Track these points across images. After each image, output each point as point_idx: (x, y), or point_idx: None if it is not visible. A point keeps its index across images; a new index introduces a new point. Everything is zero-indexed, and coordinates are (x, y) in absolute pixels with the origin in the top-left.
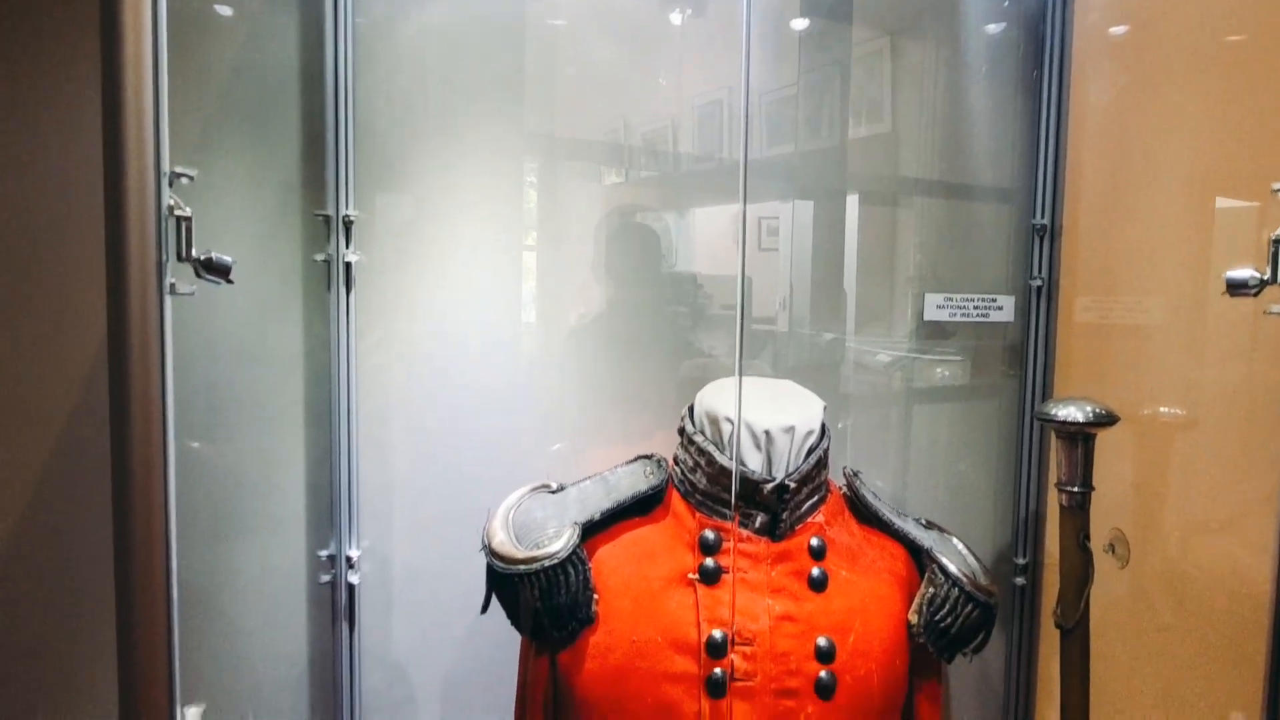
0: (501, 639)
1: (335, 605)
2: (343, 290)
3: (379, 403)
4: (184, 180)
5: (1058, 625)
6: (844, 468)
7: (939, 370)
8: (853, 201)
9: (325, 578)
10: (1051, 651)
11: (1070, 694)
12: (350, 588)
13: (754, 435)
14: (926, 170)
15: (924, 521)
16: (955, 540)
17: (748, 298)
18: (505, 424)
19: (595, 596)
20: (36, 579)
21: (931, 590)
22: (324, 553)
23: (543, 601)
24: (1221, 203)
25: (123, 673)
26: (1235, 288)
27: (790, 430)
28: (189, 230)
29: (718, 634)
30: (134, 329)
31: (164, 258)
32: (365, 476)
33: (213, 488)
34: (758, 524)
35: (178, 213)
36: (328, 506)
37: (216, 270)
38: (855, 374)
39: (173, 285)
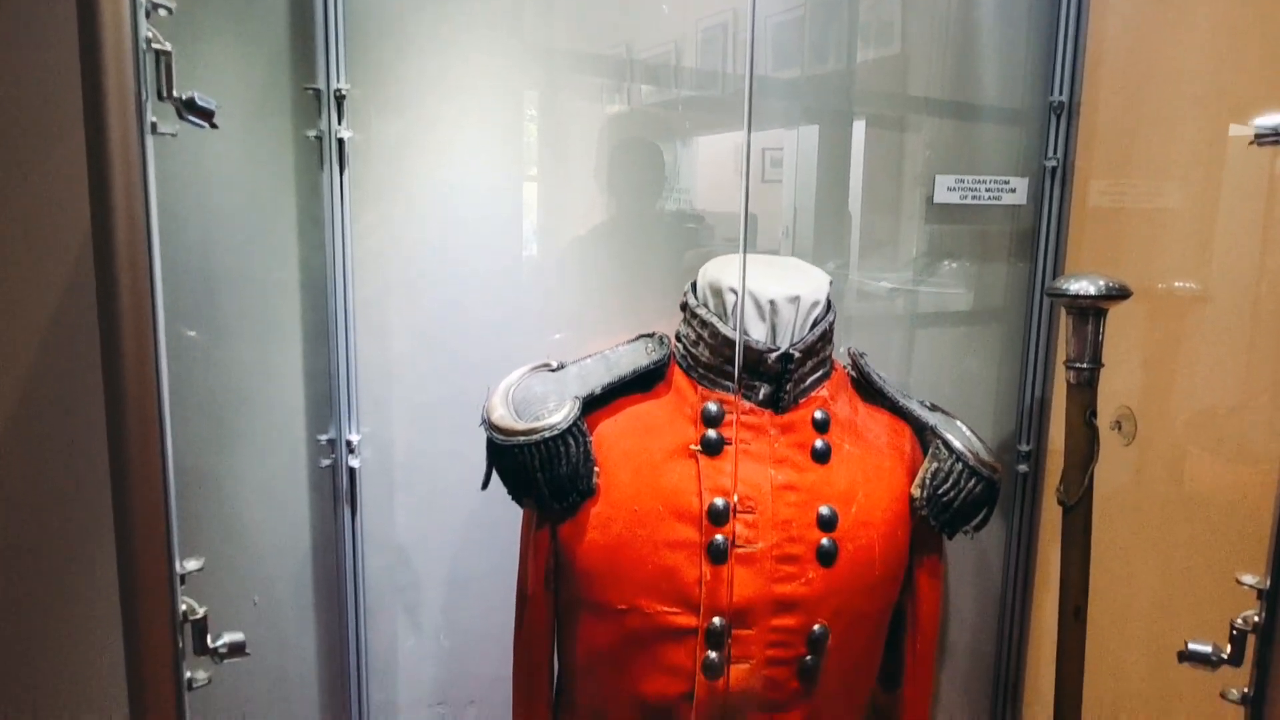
0: (504, 521)
1: (336, 490)
2: (336, 169)
3: (376, 286)
4: (162, 12)
5: (1060, 503)
6: (848, 348)
7: (946, 262)
8: (859, 127)
9: (325, 462)
10: (1052, 539)
11: (1070, 570)
12: (351, 472)
13: (758, 305)
14: (938, 88)
15: (929, 404)
16: (959, 423)
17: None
18: (506, 312)
19: (596, 469)
20: (31, 467)
21: (935, 464)
22: (323, 437)
23: (543, 473)
24: (1243, 84)
25: (121, 550)
26: (1264, 137)
27: (795, 300)
28: (169, 67)
29: (719, 502)
30: (115, 167)
31: (144, 94)
32: (364, 361)
33: (209, 374)
34: (761, 396)
35: (156, 46)
36: (326, 391)
37: (199, 113)
38: (859, 300)
39: (154, 124)
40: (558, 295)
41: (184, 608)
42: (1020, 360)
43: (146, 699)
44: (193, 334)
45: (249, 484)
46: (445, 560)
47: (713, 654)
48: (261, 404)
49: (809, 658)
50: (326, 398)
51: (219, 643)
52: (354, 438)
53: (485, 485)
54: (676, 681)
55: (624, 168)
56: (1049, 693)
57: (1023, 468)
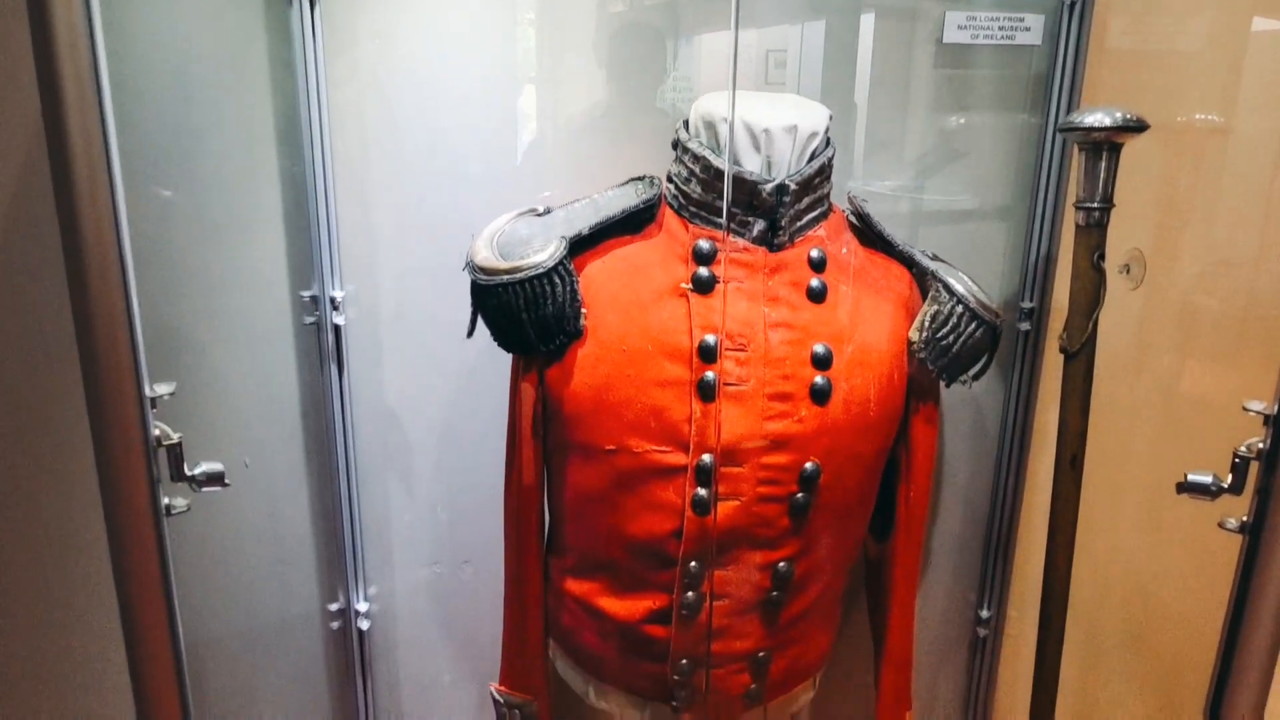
0: (494, 383)
1: (322, 348)
2: (306, 4)
3: (355, 138)
4: None
5: (1062, 350)
6: (849, 193)
7: (955, 119)
8: (868, 20)
9: (309, 319)
10: (1050, 403)
11: (1069, 417)
12: (336, 329)
13: (753, 135)
14: None
15: (930, 254)
16: (961, 273)
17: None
18: (493, 169)
19: (583, 310)
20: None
21: (935, 307)
22: (306, 294)
23: (528, 313)
24: None
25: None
26: None
27: (792, 130)
28: None
29: (710, 338)
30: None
31: None
32: (346, 217)
33: (188, 234)
34: (755, 233)
35: None
36: (307, 246)
37: None
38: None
39: None
40: (547, 155)
41: (156, 432)
42: (1028, 213)
43: (121, 519)
44: (169, 194)
45: (234, 345)
46: (436, 423)
47: (702, 491)
48: (242, 262)
49: (800, 495)
50: (308, 254)
51: (197, 470)
52: (337, 294)
53: (471, 333)
54: (666, 519)
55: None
56: (1040, 547)
57: (1025, 325)
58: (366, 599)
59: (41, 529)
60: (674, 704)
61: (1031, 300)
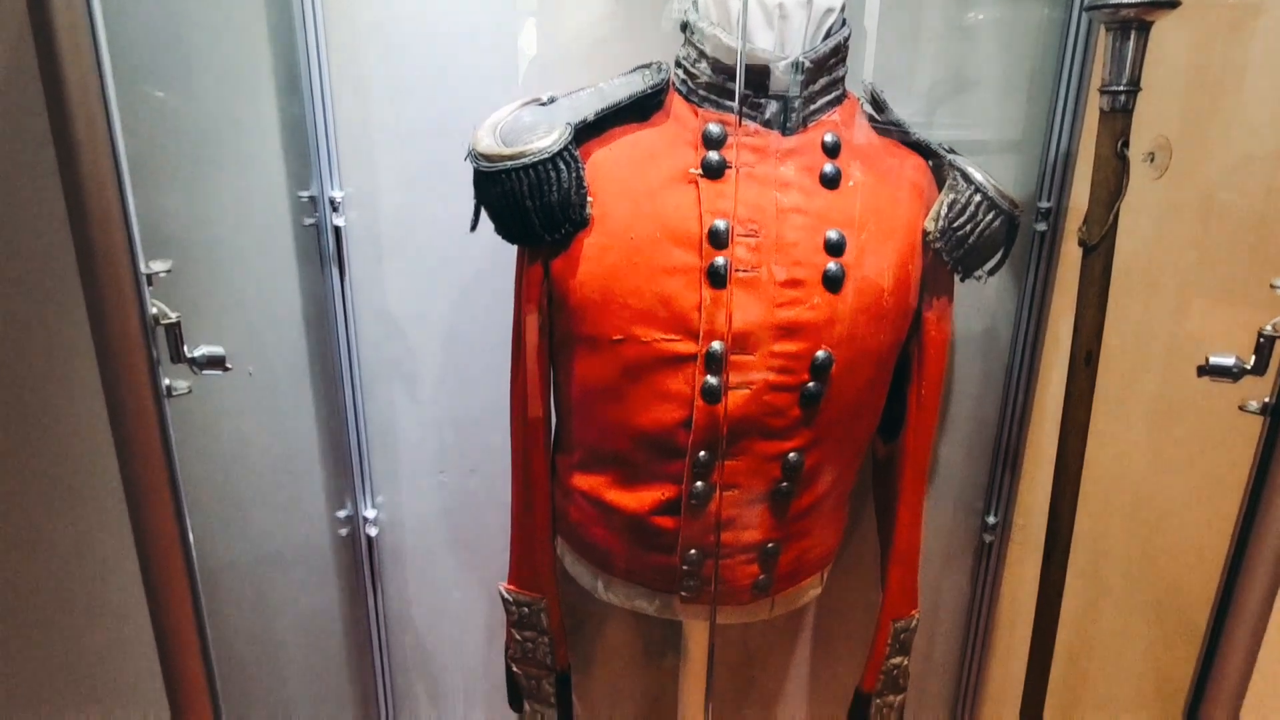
0: (498, 288)
1: (323, 250)
2: None
3: (350, 31)
4: None
5: (1081, 243)
6: (864, 80)
7: (972, 13)
8: None
9: (309, 221)
10: (1064, 310)
11: (1086, 312)
12: (336, 230)
13: (765, 9)
14: None
15: (946, 147)
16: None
17: None
18: (492, 66)
19: (589, 198)
20: None
21: (952, 196)
22: (305, 194)
23: (533, 201)
24: None
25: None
26: None
27: (806, 5)
28: None
29: (720, 224)
30: None
31: None
32: (344, 114)
33: (181, 135)
34: (767, 115)
35: None
36: (304, 145)
37: None
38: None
39: None
40: (551, 43)
41: (154, 310)
42: (1048, 106)
43: (121, 396)
44: (161, 95)
45: (232, 248)
46: (440, 328)
47: (711, 379)
48: (239, 162)
49: (812, 384)
50: (305, 153)
51: (197, 352)
52: (336, 195)
53: (474, 226)
54: (674, 409)
55: None
56: (1049, 455)
57: (1041, 227)
58: (374, 506)
59: (44, 420)
60: (682, 594)
61: (1049, 200)
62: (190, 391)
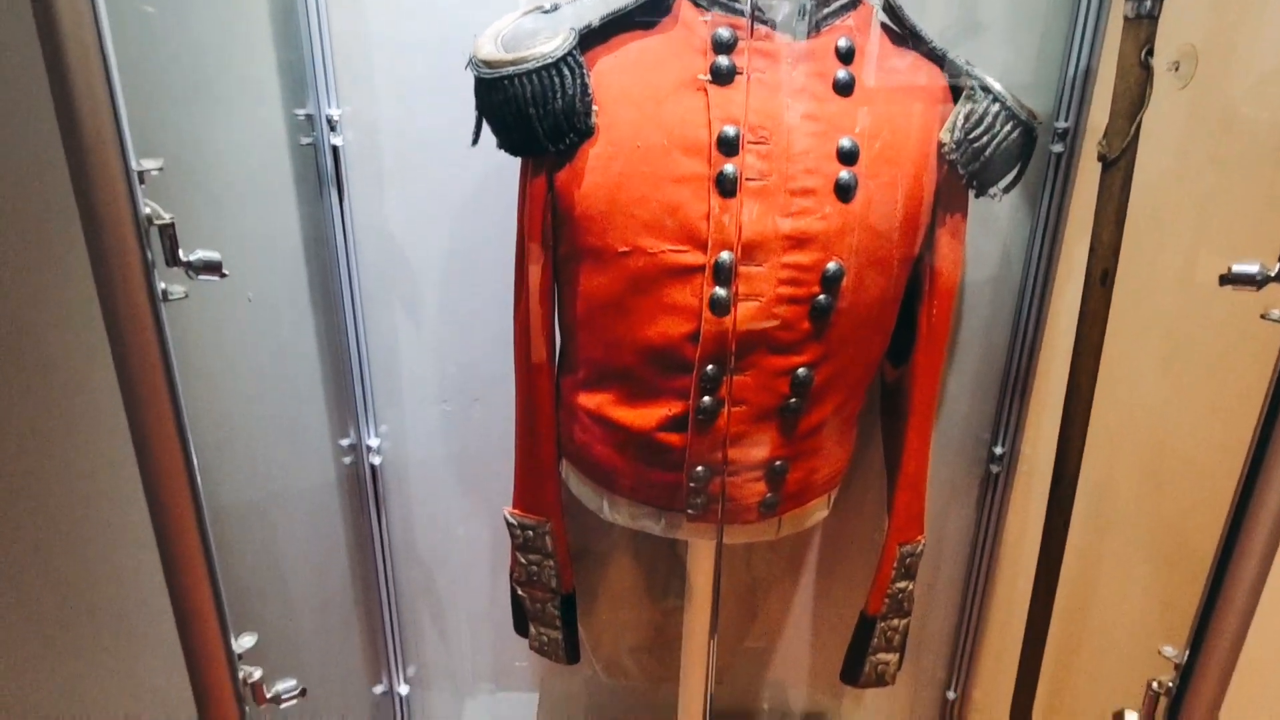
0: (500, 211)
1: (320, 172)
2: None
3: None
4: None
5: (1100, 157)
6: None
7: None
8: None
9: (306, 140)
10: (1079, 234)
11: (1103, 230)
12: (334, 150)
13: None
14: None
15: (963, 61)
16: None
17: None
18: None
19: (594, 106)
20: None
21: (970, 106)
22: (301, 112)
23: (536, 109)
24: None
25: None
26: None
27: None
28: None
29: (730, 130)
30: None
31: None
32: (338, 28)
33: (172, 52)
34: (779, 19)
35: None
36: (299, 60)
37: None
38: None
39: None
40: None
41: (147, 211)
42: (1069, 17)
43: (116, 299)
44: (151, 10)
45: (228, 169)
46: (441, 253)
47: (720, 291)
48: (232, 78)
49: (822, 297)
50: (301, 69)
51: (193, 256)
52: (334, 113)
53: (476, 139)
54: (682, 322)
55: None
56: (1059, 385)
57: (1057, 147)
58: (377, 435)
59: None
60: (688, 513)
61: (1066, 120)
62: (186, 296)
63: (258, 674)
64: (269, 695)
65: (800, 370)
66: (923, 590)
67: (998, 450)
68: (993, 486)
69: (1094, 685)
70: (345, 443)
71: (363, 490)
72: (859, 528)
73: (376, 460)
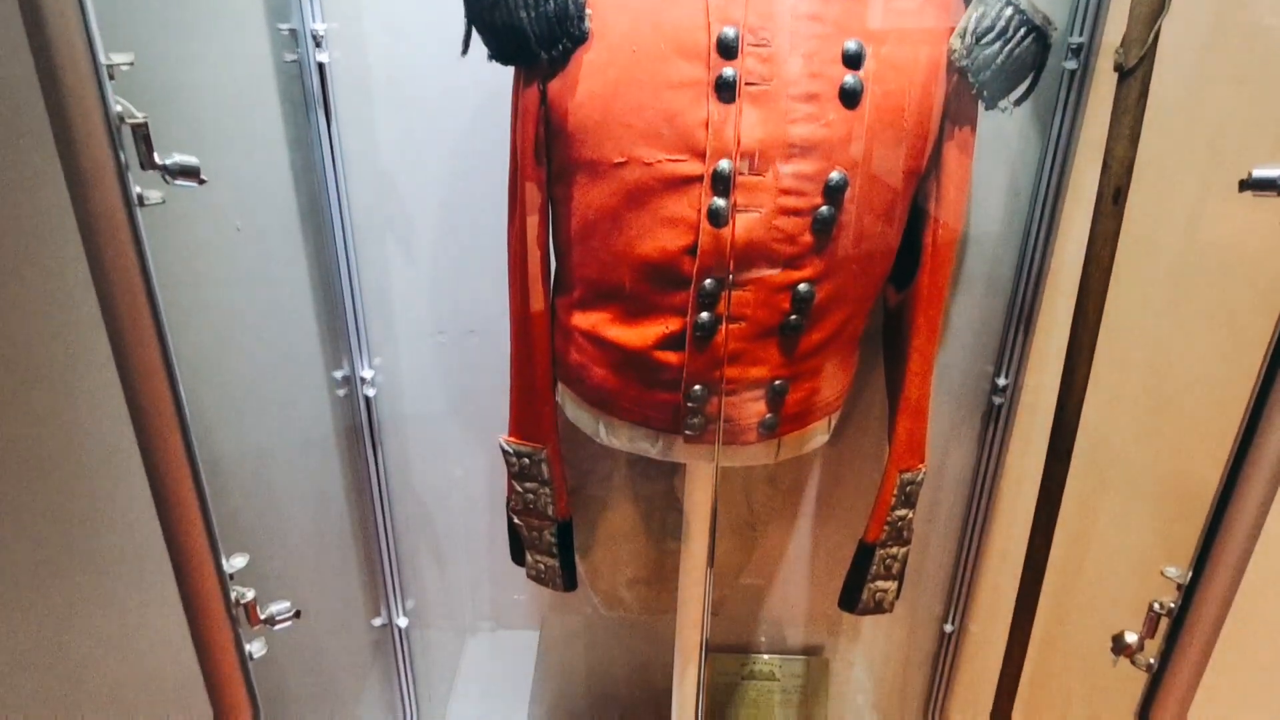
0: (493, 138)
1: (306, 92)
2: None
3: None
4: None
5: (1117, 68)
6: None
7: None
8: None
9: (290, 57)
10: (1090, 159)
11: (1117, 145)
12: (320, 68)
13: None
14: None
15: None
16: None
17: None
18: None
19: (588, 10)
20: None
21: (982, 9)
22: (284, 26)
23: (527, 12)
24: None
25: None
26: None
27: None
28: None
29: (729, 31)
30: None
31: None
32: None
33: None
34: None
35: None
36: None
37: None
38: None
39: None
40: None
41: (118, 108)
42: None
43: (90, 203)
44: None
45: (209, 88)
46: (432, 182)
47: (719, 201)
48: None
49: (825, 209)
50: None
51: (169, 160)
52: (319, 28)
53: (465, 48)
54: (679, 235)
55: None
56: (1064, 316)
57: (1070, 64)
58: (371, 367)
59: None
60: (686, 434)
61: (1081, 35)
62: (164, 202)
63: (250, 594)
64: (263, 617)
65: (801, 286)
66: (921, 523)
67: (1001, 382)
68: (995, 419)
69: (1093, 615)
70: (339, 375)
71: (358, 422)
72: (859, 462)
73: (371, 393)
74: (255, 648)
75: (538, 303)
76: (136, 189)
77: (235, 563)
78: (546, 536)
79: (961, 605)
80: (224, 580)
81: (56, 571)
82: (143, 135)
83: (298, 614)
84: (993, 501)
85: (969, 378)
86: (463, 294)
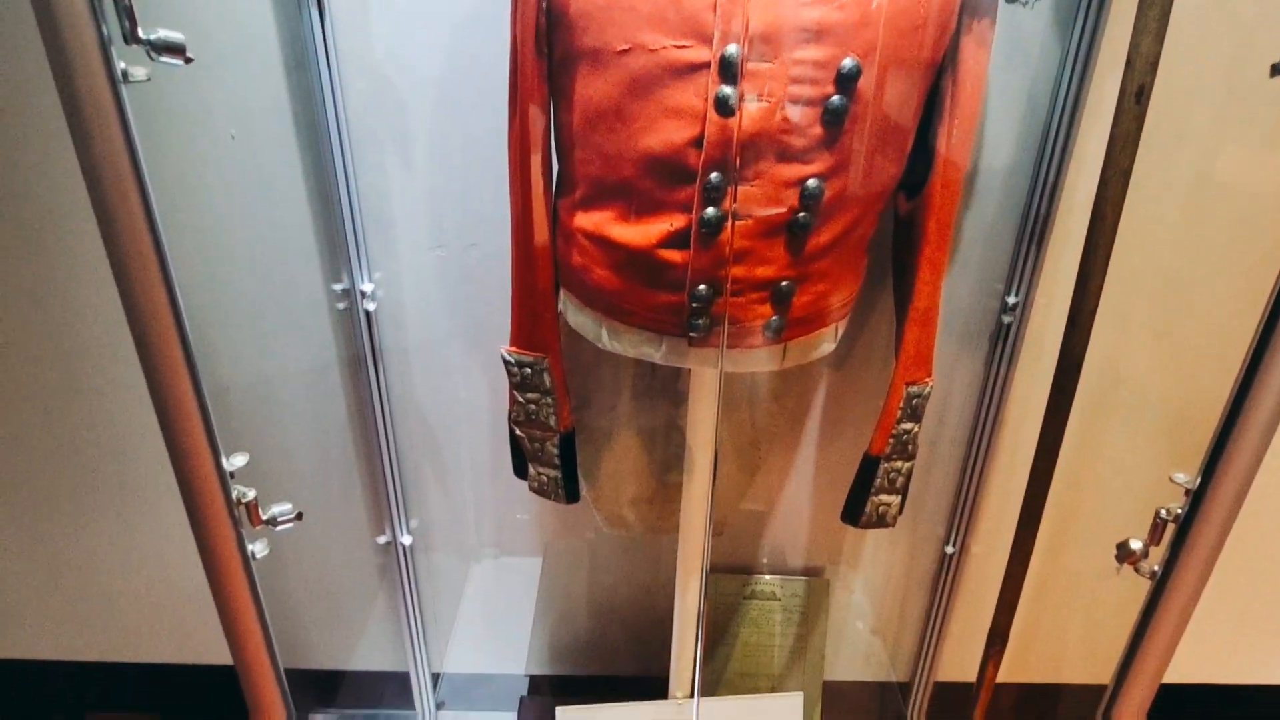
0: (492, 38)
1: None
2: None
3: None
4: None
5: None
6: None
7: None
8: None
9: None
10: (1112, 61)
11: (1143, 38)
12: None
13: None
14: None
15: None
16: None
17: None
18: None
19: None
20: None
21: None
22: None
23: None
24: None
25: None
26: None
27: None
28: None
29: None
30: None
31: None
32: None
33: None
34: None
35: None
36: None
37: None
38: None
39: None
40: None
41: None
42: None
43: (75, 80)
44: None
45: None
46: (431, 83)
47: (726, 88)
48: None
49: (836, 98)
50: None
51: (153, 35)
52: None
53: None
54: (685, 126)
55: None
56: (1078, 233)
57: None
58: (371, 280)
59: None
60: (691, 336)
61: None
62: (149, 80)
63: (251, 494)
64: (265, 517)
65: (810, 181)
66: (925, 445)
67: (1011, 300)
68: (1003, 338)
69: (1095, 531)
70: (339, 287)
71: (358, 337)
72: (864, 383)
73: (371, 307)
74: (258, 548)
75: (539, 205)
76: (121, 64)
77: (235, 461)
78: (549, 448)
79: (964, 527)
80: (224, 477)
81: (72, 495)
82: (125, 8)
83: (299, 516)
84: (999, 421)
85: (978, 297)
86: (463, 206)
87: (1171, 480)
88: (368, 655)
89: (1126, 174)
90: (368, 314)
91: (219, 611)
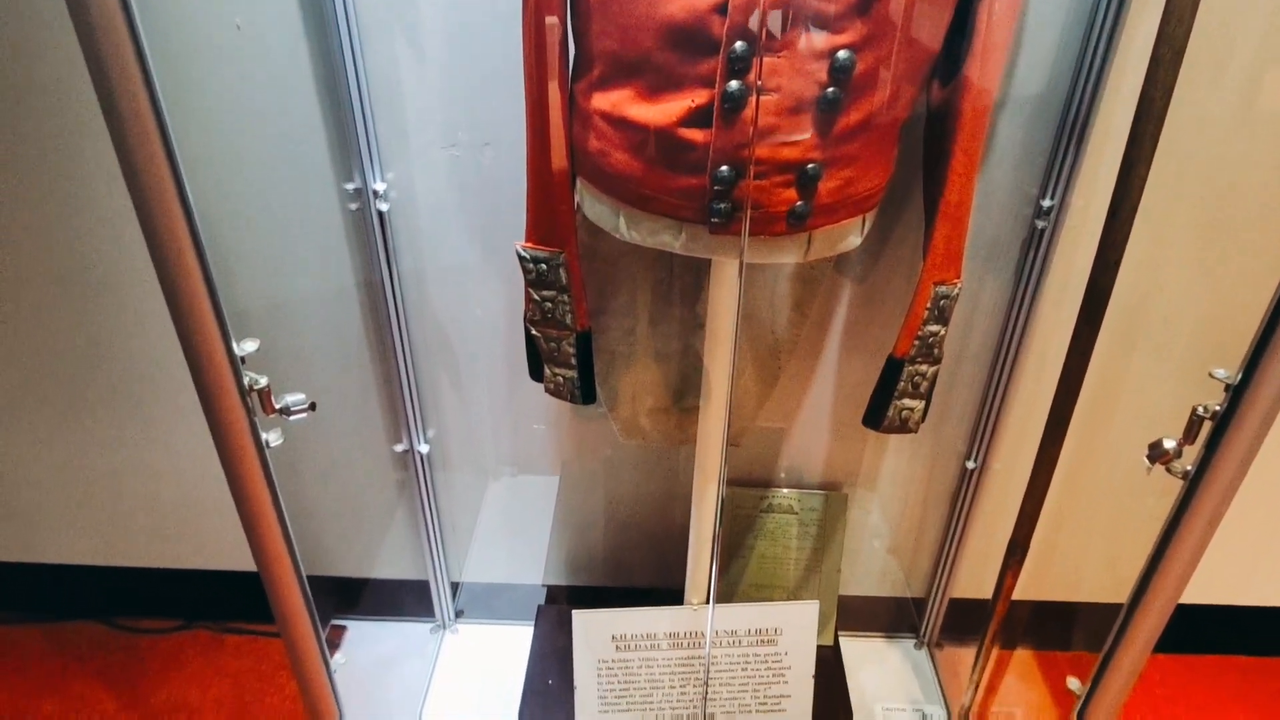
0: None
1: None
2: None
3: None
4: None
5: None
6: None
7: None
8: None
9: None
10: None
11: None
12: None
13: None
14: None
15: None
16: None
17: None
18: None
19: None
20: None
21: None
22: None
23: None
24: None
25: None
26: None
27: None
28: None
29: None
30: None
31: None
32: None
33: None
34: None
35: None
36: None
37: None
38: None
39: None
40: None
41: None
42: None
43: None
44: None
45: None
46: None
47: None
48: None
49: None
50: None
51: None
52: None
53: None
54: None
55: None
56: (1119, 133)
57: None
58: (383, 180)
59: None
60: (713, 221)
61: None
62: None
63: (264, 381)
64: (278, 406)
65: (841, 54)
66: (950, 356)
67: (1046, 204)
68: (1037, 244)
69: (1122, 436)
70: (351, 187)
71: (370, 237)
72: (889, 295)
73: (384, 206)
74: (272, 437)
75: (555, 90)
76: None
77: (246, 346)
78: (565, 348)
79: (986, 441)
80: (234, 361)
81: (99, 409)
82: None
83: (313, 406)
84: (1027, 332)
85: (1011, 204)
86: (477, 102)
87: (1211, 376)
88: (388, 563)
89: (1180, 53)
90: (380, 214)
91: (236, 503)
